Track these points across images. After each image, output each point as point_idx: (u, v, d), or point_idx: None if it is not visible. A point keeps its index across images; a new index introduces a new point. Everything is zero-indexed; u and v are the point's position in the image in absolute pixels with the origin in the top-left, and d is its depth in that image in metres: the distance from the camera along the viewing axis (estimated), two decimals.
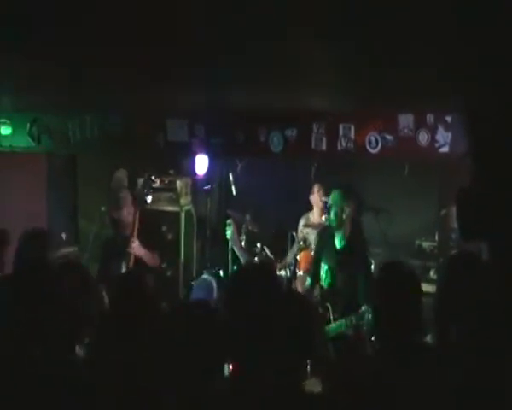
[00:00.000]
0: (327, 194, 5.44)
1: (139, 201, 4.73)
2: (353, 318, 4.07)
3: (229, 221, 5.66)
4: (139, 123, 5.95)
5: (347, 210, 4.43)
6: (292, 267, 6.06)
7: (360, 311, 4.03)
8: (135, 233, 4.64)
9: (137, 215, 4.66)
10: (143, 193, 4.77)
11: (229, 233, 5.63)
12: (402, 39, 2.75)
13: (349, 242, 4.47)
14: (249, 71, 3.60)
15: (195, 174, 6.56)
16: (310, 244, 5.91)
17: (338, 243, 4.52)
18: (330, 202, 4.50)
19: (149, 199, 4.91)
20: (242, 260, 5.06)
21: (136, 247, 4.66)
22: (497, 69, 3.06)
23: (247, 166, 6.82)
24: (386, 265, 2.74)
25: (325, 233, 4.70)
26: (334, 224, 4.45)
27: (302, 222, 6.50)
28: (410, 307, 2.47)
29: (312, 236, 5.91)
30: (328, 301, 4.44)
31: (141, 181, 5.03)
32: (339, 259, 4.46)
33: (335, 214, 4.42)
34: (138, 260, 4.69)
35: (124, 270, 4.60)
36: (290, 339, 2.18)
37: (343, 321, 4.17)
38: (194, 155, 6.08)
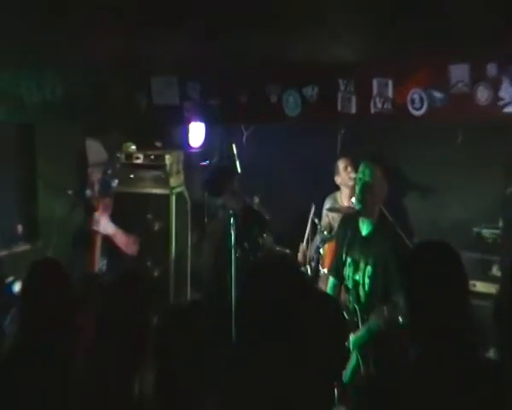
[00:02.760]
0: (357, 169, 5.38)
1: (101, 186, 4.82)
2: (385, 309, 4.16)
3: (232, 211, 5.58)
4: (116, 82, 5.94)
5: (379, 188, 4.51)
6: (314, 264, 6.15)
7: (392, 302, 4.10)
8: (101, 207, 4.74)
9: (106, 201, 4.80)
10: (107, 175, 4.86)
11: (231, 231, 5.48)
12: None
13: (378, 225, 4.54)
14: (257, 9, 3.57)
15: (189, 147, 6.68)
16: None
17: (365, 228, 4.58)
18: (358, 177, 4.56)
19: (115, 183, 4.98)
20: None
21: (103, 223, 4.74)
22: None
23: (255, 135, 6.85)
24: (421, 244, 2.74)
25: (349, 220, 4.77)
26: (360, 206, 4.52)
27: (327, 204, 6.55)
28: (456, 297, 2.44)
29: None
30: (355, 302, 4.53)
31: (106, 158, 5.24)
32: (366, 246, 4.54)
33: (363, 193, 4.48)
34: (108, 244, 4.79)
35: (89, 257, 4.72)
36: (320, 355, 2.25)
37: (372, 321, 4.28)
38: (186, 122, 6.13)
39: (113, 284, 3.00)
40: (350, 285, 4.63)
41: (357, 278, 4.56)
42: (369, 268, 4.46)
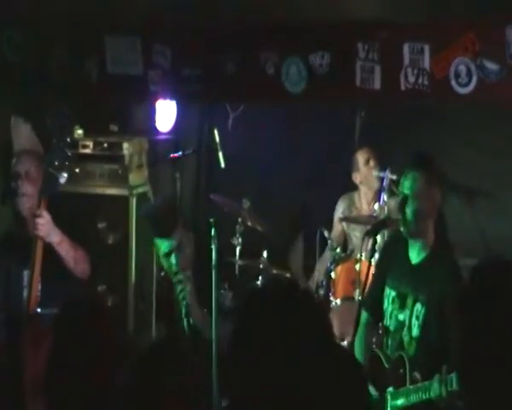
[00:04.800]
0: (382, 165, 5.81)
1: (46, 182, 4.74)
2: (453, 379, 3.86)
3: (212, 219, 5.34)
4: (55, 43, 5.88)
5: (431, 203, 4.39)
6: (323, 291, 6.01)
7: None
8: (42, 206, 4.69)
9: (44, 204, 4.73)
10: (53, 167, 4.73)
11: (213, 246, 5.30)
12: None
13: (433, 253, 4.44)
14: None
15: (156, 132, 6.56)
16: (353, 250, 5.97)
17: (415, 255, 4.48)
18: (407, 190, 4.40)
19: (63, 178, 4.79)
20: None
21: (44, 224, 4.64)
22: None
23: (244, 117, 6.72)
24: (480, 268, 2.54)
25: (397, 239, 4.70)
26: (412, 227, 4.39)
27: (340, 209, 6.48)
28: None
29: (357, 233, 6.04)
30: (401, 349, 4.42)
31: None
32: (417, 277, 4.44)
33: (415, 213, 4.33)
34: (51, 259, 4.68)
35: (25, 277, 4.71)
36: None
37: (434, 384, 4.01)
38: (153, 98, 6.15)
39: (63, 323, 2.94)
40: (391, 327, 4.54)
41: (401, 317, 4.46)
42: (419, 306, 4.36)
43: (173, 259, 5.25)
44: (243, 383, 2.17)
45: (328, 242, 6.06)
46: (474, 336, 2.39)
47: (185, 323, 5.41)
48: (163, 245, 5.20)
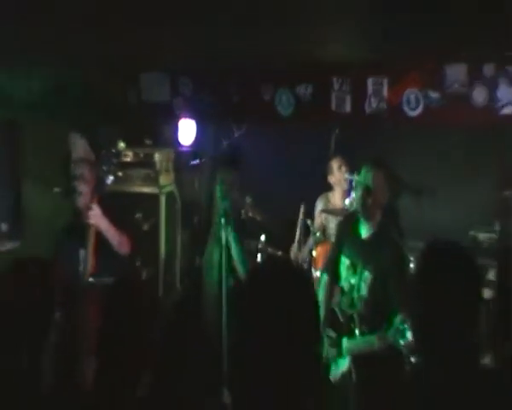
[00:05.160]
0: (352, 170, 5.52)
1: (97, 183, 4.85)
2: (388, 334, 4.02)
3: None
4: (105, 77, 5.93)
5: (381, 193, 4.43)
6: (306, 265, 6.20)
7: (396, 325, 4.00)
8: (94, 201, 4.76)
9: (95, 200, 4.79)
10: (102, 172, 4.88)
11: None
12: None
13: (379, 230, 4.48)
14: (249, 5, 3.56)
15: (180, 145, 6.61)
16: (329, 236, 5.96)
17: (364, 232, 4.53)
18: (357, 181, 4.50)
19: (110, 180, 4.99)
20: (237, 254, 4.96)
21: (96, 215, 4.76)
22: None
23: (247, 134, 6.82)
24: (431, 245, 2.65)
25: (349, 221, 4.70)
26: (362, 210, 4.46)
27: (320, 205, 6.47)
28: (470, 306, 2.41)
29: (332, 224, 5.97)
30: (351, 307, 4.47)
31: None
32: (365, 250, 4.47)
33: (364, 198, 4.41)
34: (101, 241, 4.77)
35: (81, 255, 4.70)
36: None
37: (373, 338, 4.18)
38: (177, 119, 6.17)
39: (112, 291, 2.88)
40: (346, 287, 4.58)
41: (352, 281, 4.49)
42: (366, 273, 4.41)
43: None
44: (247, 318, 2.08)
45: (311, 229, 6.19)
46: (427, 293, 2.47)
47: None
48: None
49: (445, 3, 3.43)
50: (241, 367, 2.07)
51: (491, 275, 5.42)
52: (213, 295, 4.99)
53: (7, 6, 3.66)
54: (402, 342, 3.96)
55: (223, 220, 4.87)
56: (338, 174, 6.29)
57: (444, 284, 2.43)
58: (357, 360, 4.32)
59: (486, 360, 3.16)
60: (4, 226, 6.40)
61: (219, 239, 5.06)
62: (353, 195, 4.58)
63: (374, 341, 4.15)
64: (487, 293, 5.23)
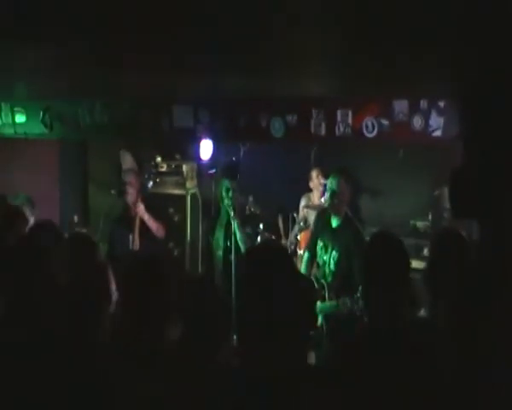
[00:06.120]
0: (326, 177, 5.46)
1: (141, 187, 4.96)
2: (348, 301, 4.03)
3: (226, 183, 4.90)
4: (146, 109, 5.85)
5: (343, 194, 4.42)
6: (293, 247, 6.23)
7: (355, 295, 3.99)
8: (139, 200, 4.84)
9: (140, 199, 4.85)
10: (145, 179, 5.01)
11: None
12: (398, 31, 2.70)
13: (344, 221, 4.47)
14: (250, 60, 3.60)
15: (200, 159, 6.42)
16: (310, 225, 5.92)
17: (334, 223, 4.54)
18: (328, 186, 4.49)
19: (150, 184, 5.13)
20: (240, 237, 4.77)
21: (140, 210, 4.83)
22: (490, 56, 3.02)
23: (250, 150, 6.75)
24: (374, 235, 2.68)
25: (323, 215, 4.72)
26: (330, 207, 4.47)
27: (303, 202, 6.55)
28: (400, 275, 2.39)
29: (312, 216, 5.85)
30: (324, 278, 4.43)
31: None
32: (334, 235, 4.46)
33: (332, 198, 4.42)
34: (144, 228, 4.81)
35: (130, 238, 4.78)
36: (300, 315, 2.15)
37: (336, 303, 4.17)
38: (199, 140, 6.04)
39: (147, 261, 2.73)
40: (320, 263, 4.58)
41: (325, 258, 4.50)
42: (334, 252, 4.41)
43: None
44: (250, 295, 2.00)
45: (296, 220, 6.36)
46: (370, 265, 2.48)
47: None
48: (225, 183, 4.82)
49: (391, 60, 3.48)
50: (243, 317, 2.03)
51: (426, 252, 5.48)
52: (220, 268, 4.94)
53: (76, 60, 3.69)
54: (356, 306, 3.97)
55: (231, 214, 4.80)
56: (316, 181, 6.49)
57: (380, 263, 2.42)
58: (327, 317, 4.32)
59: (422, 312, 3.18)
60: (76, 217, 6.51)
61: (224, 227, 5.00)
62: (326, 195, 4.62)
63: (337, 305, 4.16)
64: (422, 265, 5.28)
